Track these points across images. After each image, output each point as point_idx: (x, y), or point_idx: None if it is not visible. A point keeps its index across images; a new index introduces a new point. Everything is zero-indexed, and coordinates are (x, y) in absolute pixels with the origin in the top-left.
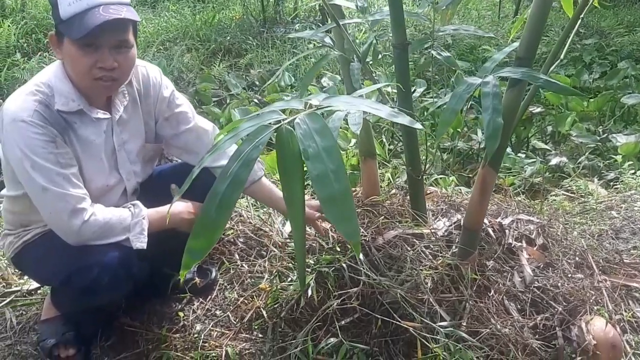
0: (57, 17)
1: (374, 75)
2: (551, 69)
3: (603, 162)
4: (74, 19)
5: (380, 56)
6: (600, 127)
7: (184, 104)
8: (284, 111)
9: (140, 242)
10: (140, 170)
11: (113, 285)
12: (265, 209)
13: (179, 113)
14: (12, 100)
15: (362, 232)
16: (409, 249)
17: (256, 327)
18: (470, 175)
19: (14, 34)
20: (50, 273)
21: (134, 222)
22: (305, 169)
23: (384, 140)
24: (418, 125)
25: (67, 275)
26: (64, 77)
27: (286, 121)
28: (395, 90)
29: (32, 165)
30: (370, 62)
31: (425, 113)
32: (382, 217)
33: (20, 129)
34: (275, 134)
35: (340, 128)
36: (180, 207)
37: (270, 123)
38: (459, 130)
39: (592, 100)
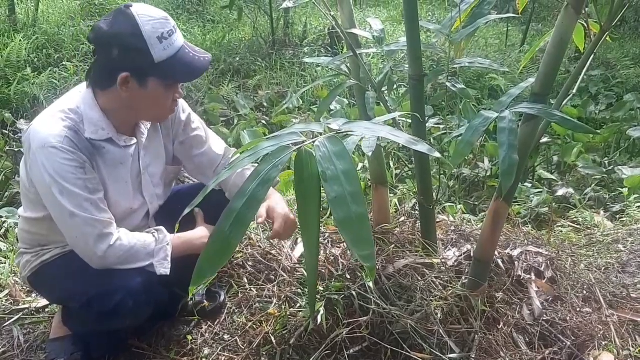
0: (144, 60)
1: (387, 103)
2: (564, 103)
3: (609, 194)
4: (171, 62)
5: (395, 86)
6: (606, 158)
7: (199, 128)
8: (303, 134)
9: (164, 268)
10: (162, 192)
11: (136, 310)
12: None
13: (193, 137)
14: (40, 125)
15: None
16: (419, 278)
17: (264, 353)
18: (476, 203)
19: (25, 49)
20: (70, 294)
21: (158, 248)
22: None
23: (391, 164)
24: (436, 154)
25: (89, 298)
26: (95, 105)
27: (306, 143)
28: (404, 118)
29: (60, 191)
30: (386, 92)
31: (433, 140)
32: (393, 245)
33: (50, 155)
34: (294, 155)
35: None
36: (202, 232)
37: (290, 144)
38: (465, 157)
39: (599, 133)
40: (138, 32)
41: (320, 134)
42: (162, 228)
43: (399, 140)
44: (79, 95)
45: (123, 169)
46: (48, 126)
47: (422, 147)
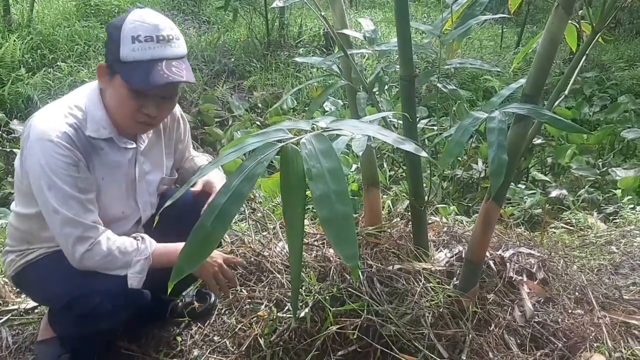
0: (114, 54)
1: (379, 104)
2: (555, 104)
3: (602, 196)
4: (135, 65)
5: (386, 87)
6: (600, 160)
7: (189, 143)
8: (290, 131)
9: (137, 283)
10: (156, 201)
11: (111, 313)
12: (266, 233)
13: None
14: (42, 117)
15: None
16: (409, 280)
17: (254, 356)
18: (469, 205)
19: (20, 49)
20: (50, 295)
21: (135, 260)
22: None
23: (385, 166)
24: (423, 154)
25: (66, 300)
26: (99, 102)
27: (292, 140)
28: (397, 119)
29: (49, 185)
30: (377, 92)
31: (426, 141)
32: (384, 247)
33: (45, 147)
34: (280, 152)
35: (343, 154)
36: None
37: (276, 141)
38: (459, 158)
39: (592, 133)
40: (119, 26)
41: (309, 131)
42: (146, 237)
43: (387, 139)
44: (86, 92)
45: (119, 172)
46: (50, 119)
47: (409, 146)
